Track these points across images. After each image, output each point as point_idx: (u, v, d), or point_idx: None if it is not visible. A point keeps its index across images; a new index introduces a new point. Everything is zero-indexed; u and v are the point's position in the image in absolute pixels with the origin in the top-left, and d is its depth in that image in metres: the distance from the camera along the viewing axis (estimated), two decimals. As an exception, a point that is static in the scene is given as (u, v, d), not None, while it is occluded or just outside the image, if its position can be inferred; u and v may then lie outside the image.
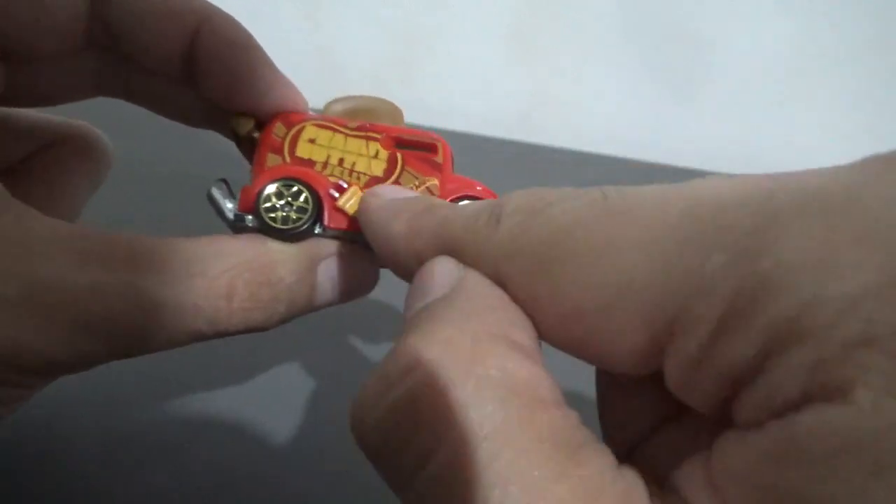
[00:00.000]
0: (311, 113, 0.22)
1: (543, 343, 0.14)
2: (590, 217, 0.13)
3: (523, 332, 0.14)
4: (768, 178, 0.12)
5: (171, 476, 0.25)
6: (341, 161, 0.21)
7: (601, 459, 0.12)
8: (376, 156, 0.21)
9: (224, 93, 0.21)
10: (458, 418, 0.12)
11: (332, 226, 0.20)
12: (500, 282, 0.14)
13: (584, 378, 0.17)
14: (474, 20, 0.52)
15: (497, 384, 0.12)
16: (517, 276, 0.14)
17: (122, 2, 0.20)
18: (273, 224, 0.20)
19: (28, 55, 0.20)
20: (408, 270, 0.16)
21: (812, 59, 0.49)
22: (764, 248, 0.11)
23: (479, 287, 0.14)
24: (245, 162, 0.23)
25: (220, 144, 0.24)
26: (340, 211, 0.20)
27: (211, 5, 0.21)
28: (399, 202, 0.18)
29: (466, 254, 0.15)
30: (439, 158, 0.21)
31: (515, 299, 0.14)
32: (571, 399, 0.13)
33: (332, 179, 0.21)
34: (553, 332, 0.14)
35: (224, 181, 0.21)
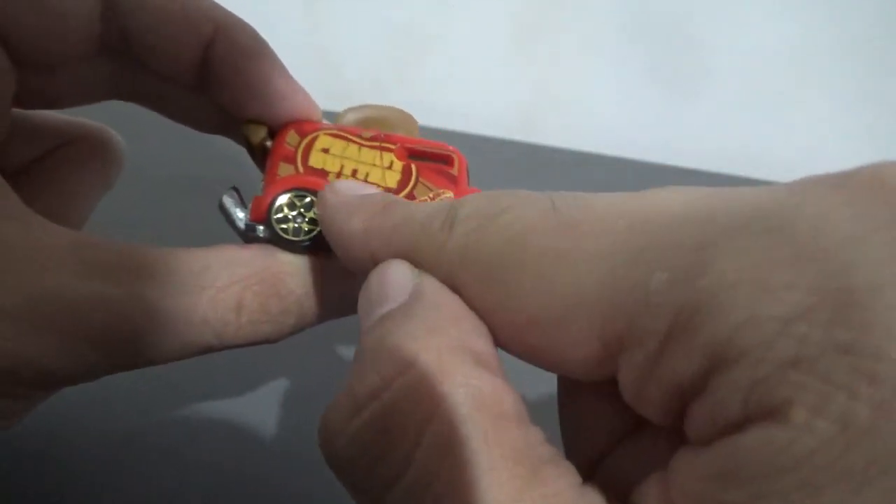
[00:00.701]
0: (324, 122, 0.22)
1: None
2: (541, 228, 0.13)
3: (483, 342, 0.14)
4: (713, 194, 0.12)
5: (170, 477, 0.25)
6: (355, 172, 0.21)
7: (564, 478, 0.12)
8: (390, 167, 0.21)
9: (237, 100, 0.21)
10: (426, 436, 0.12)
11: None
12: (454, 288, 0.14)
13: (552, 383, 0.16)
14: (475, 20, 0.52)
15: (462, 400, 0.12)
16: (471, 285, 0.14)
17: (136, 8, 0.20)
18: (285, 235, 0.19)
19: (41, 60, 0.20)
20: (363, 270, 0.16)
21: (812, 59, 0.49)
22: (703, 267, 0.11)
23: (438, 296, 0.14)
24: (257, 169, 0.22)
25: (232, 150, 0.24)
26: None
27: (226, 12, 0.21)
28: (357, 199, 0.17)
29: (421, 258, 0.15)
30: (455, 171, 0.21)
31: (471, 306, 0.14)
32: (543, 404, 0.14)
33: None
34: (508, 339, 0.14)
35: (235, 189, 0.20)
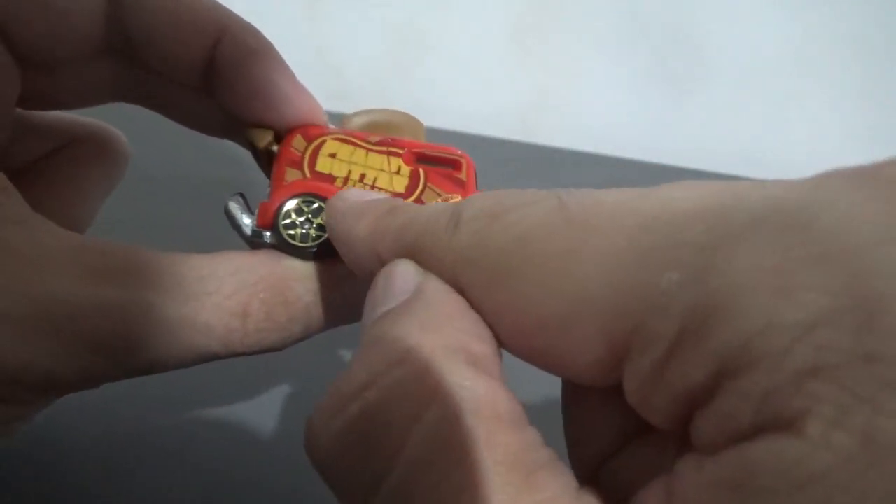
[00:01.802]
0: (331, 126, 0.22)
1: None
2: (547, 226, 0.13)
3: (483, 344, 0.13)
4: (728, 189, 0.12)
5: (170, 479, 0.25)
6: (363, 177, 0.21)
7: (559, 482, 0.12)
8: (398, 171, 0.21)
9: (243, 103, 0.21)
10: (412, 438, 0.12)
11: None
12: (459, 288, 0.14)
13: (556, 386, 0.16)
14: (474, 20, 0.52)
15: (454, 403, 0.12)
16: (475, 285, 0.14)
17: (141, 10, 0.20)
18: (292, 241, 0.19)
19: (45, 61, 0.20)
20: (370, 273, 0.16)
21: (812, 58, 0.49)
22: (717, 268, 0.10)
23: (438, 295, 0.14)
24: (262, 174, 0.22)
25: (237, 154, 0.24)
26: None
27: (232, 14, 0.20)
28: (363, 204, 0.17)
29: (426, 258, 0.15)
30: (463, 175, 0.21)
31: (475, 307, 0.14)
32: (545, 408, 0.13)
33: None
34: (513, 341, 0.14)
35: (241, 195, 0.20)
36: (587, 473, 0.13)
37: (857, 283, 0.09)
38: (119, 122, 0.25)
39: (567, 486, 0.12)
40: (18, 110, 0.21)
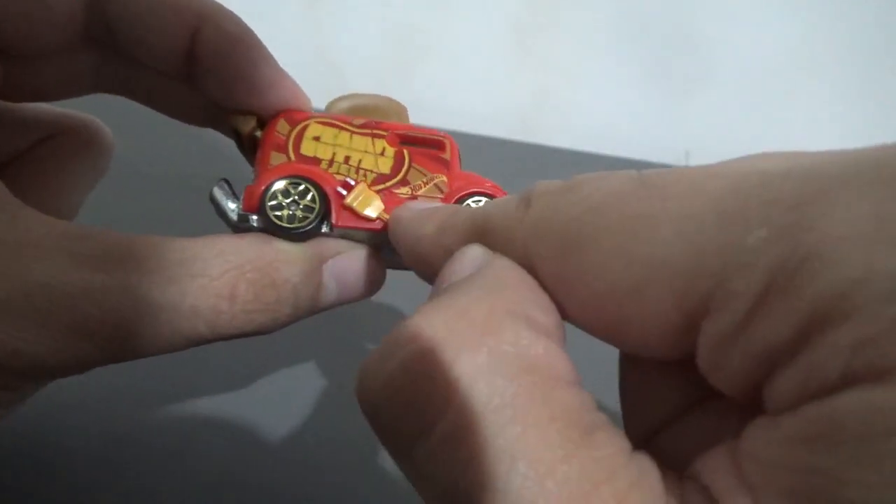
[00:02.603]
0: (314, 111, 0.22)
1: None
2: (623, 193, 0.12)
3: (545, 314, 0.13)
4: (820, 153, 0.11)
5: (169, 477, 0.25)
6: (347, 159, 0.21)
7: (614, 443, 0.11)
8: (383, 153, 0.21)
9: (225, 91, 0.21)
10: (465, 387, 0.11)
11: (340, 224, 0.20)
12: (529, 266, 0.14)
13: (606, 373, 0.16)
14: (474, 20, 0.52)
15: (510, 357, 0.12)
16: (546, 257, 0.13)
17: None
18: (279, 223, 0.19)
19: (24, 51, 0.20)
20: (437, 267, 0.16)
21: (812, 58, 0.49)
22: (810, 222, 0.10)
23: (504, 269, 0.14)
24: (247, 163, 0.22)
25: (221, 144, 0.24)
26: (349, 209, 0.20)
27: (212, 2, 0.20)
28: (430, 209, 0.17)
29: (497, 240, 0.15)
30: (447, 155, 0.21)
31: (544, 284, 0.14)
32: (601, 382, 0.13)
33: (338, 177, 0.20)
34: (583, 314, 0.13)
35: (226, 181, 0.20)
36: (639, 444, 0.13)
37: None
38: (102, 114, 0.25)
39: (622, 448, 0.11)
40: (1, 102, 0.21)
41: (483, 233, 0.15)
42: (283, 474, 0.26)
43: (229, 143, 0.23)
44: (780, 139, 0.50)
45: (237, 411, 0.28)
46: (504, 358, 0.12)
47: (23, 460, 0.25)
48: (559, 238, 0.13)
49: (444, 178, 0.21)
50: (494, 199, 0.16)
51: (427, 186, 0.21)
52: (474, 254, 0.15)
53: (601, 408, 0.12)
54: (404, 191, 0.21)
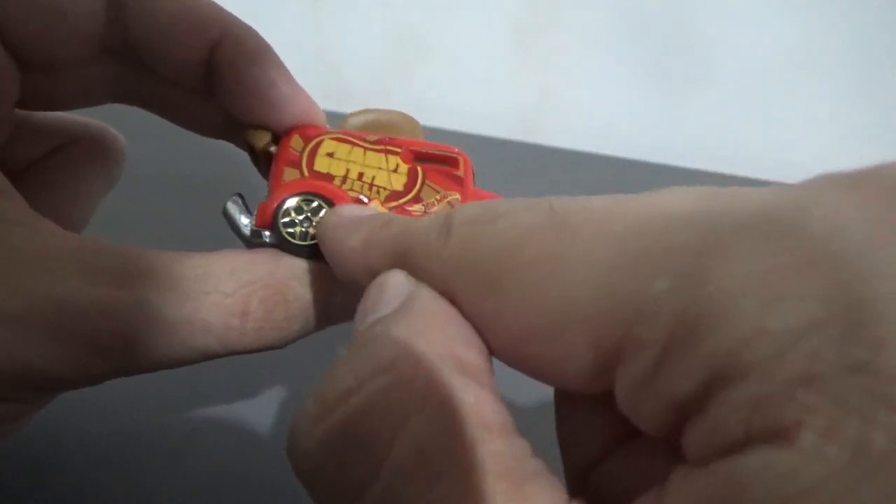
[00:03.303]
0: (328, 127, 0.22)
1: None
2: (536, 232, 0.13)
3: (473, 351, 0.13)
4: (717, 195, 0.12)
5: (170, 478, 0.25)
6: (361, 175, 0.21)
7: (549, 494, 0.11)
8: (396, 170, 0.21)
9: (242, 105, 0.21)
10: (397, 445, 0.11)
11: None
12: (451, 297, 0.14)
13: (550, 392, 0.16)
14: (474, 20, 0.52)
15: (439, 413, 0.12)
16: (465, 293, 0.13)
17: (141, 12, 0.20)
18: (292, 240, 0.19)
19: (44, 62, 0.20)
20: (362, 285, 0.16)
21: (813, 58, 0.49)
22: (707, 274, 0.10)
23: (430, 303, 0.14)
24: (260, 175, 0.22)
25: (235, 155, 0.24)
26: None
27: (231, 16, 0.20)
28: (358, 218, 0.17)
29: (417, 268, 0.15)
30: (460, 172, 0.21)
31: (466, 317, 0.14)
32: (540, 414, 0.13)
33: (351, 194, 0.20)
34: (503, 349, 0.13)
35: (240, 195, 0.20)
36: (579, 478, 0.13)
37: (845, 289, 0.09)
38: (116, 123, 0.25)
39: (557, 497, 0.11)
40: (17, 111, 0.21)
41: (405, 260, 0.15)
42: (283, 474, 0.26)
43: (242, 155, 0.22)
44: (780, 139, 0.50)
45: (237, 411, 0.28)
46: (433, 414, 0.12)
47: (23, 460, 0.25)
48: (476, 276, 0.13)
49: (458, 196, 0.21)
50: (419, 221, 0.15)
51: (440, 204, 0.21)
52: (397, 283, 0.15)
53: (543, 449, 0.12)
54: (417, 208, 0.21)
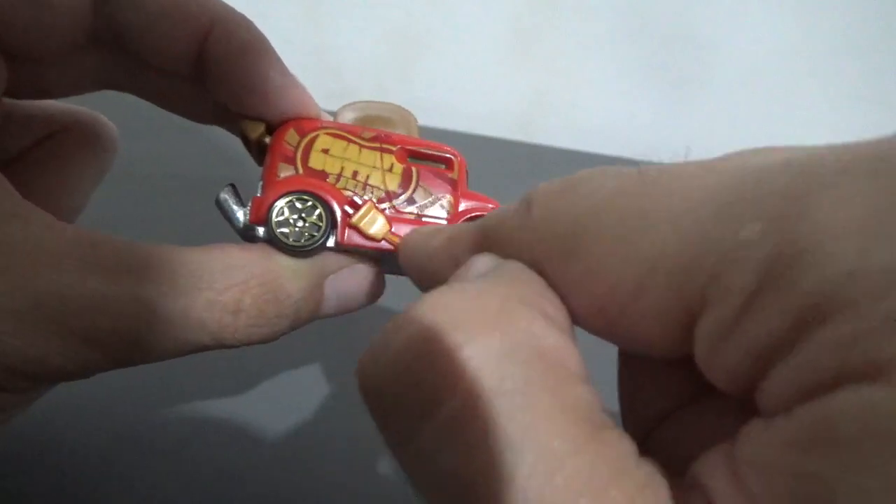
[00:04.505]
0: (323, 120, 0.21)
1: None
2: (621, 191, 0.12)
3: (557, 310, 0.13)
4: (820, 146, 0.11)
5: (169, 477, 0.25)
6: (355, 174, 0.21)
7: (623, 444, 0.11)
8: (391, 169, 0.21)
9: (234, 97, 0.20)
10: (475, 369, 0.11)
11: (346, 243, 0.20)
12: (539, 270, 0.14)
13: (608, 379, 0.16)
14: (474, 20, 0.52)
15: (523, 344, 0.11)
16: (551, 259, 0.13)
17: (127, 4, 0.20)
18: (285, 240, 0.19)
19: (31, 54, 0.20)
20: (444, 279, 0.15)
21: (812, 58, 0.49)
22: (804, 213, 0.10)
23: (516, 269, 0.14)
24: (254, 163, 0.22)
25: (228, 143, 0.24)
26: (355, 228, 0.20)
27: (224, 6, 0.20)
28: (438, 227, 0.18)
29: (504, 247, 0.14)
30: (454, 174, 0.21)
31: (553, 286, 0.13)
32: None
33: (346, 193, 0.20)
34: (586, 314, 0.13)
35: (233, 186, 0.20)
36: (638, 440, 0.13)
37: None
38: (107, 110, 0.25)
39: (631, 450, 0.11)
40: (5, 99, 0.21)
41: (490, 241, 0.15)
42: (283, 474, 0.26)
43: (236, 141, 0.22)
44: (780, 139, 0.50)
45: (237, 411, 0.28)
46: (517, 344, 0.11)
47: (23, 460, 0.25)
48: (561, 240, 0.13)
49: (451, 199, 0.21)
50: (497, 209, 0.15)
51: (433, 206, 0.21)
52: (485, 259, 0.14)
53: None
54: (410, 209, 0.21)
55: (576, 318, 0.13)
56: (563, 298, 0.13)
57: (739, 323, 0.10)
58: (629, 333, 0.13)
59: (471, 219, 0.21)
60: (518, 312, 0.12)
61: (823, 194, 0.10)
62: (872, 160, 0.10)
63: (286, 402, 0.29)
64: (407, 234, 0.19)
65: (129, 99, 0.23)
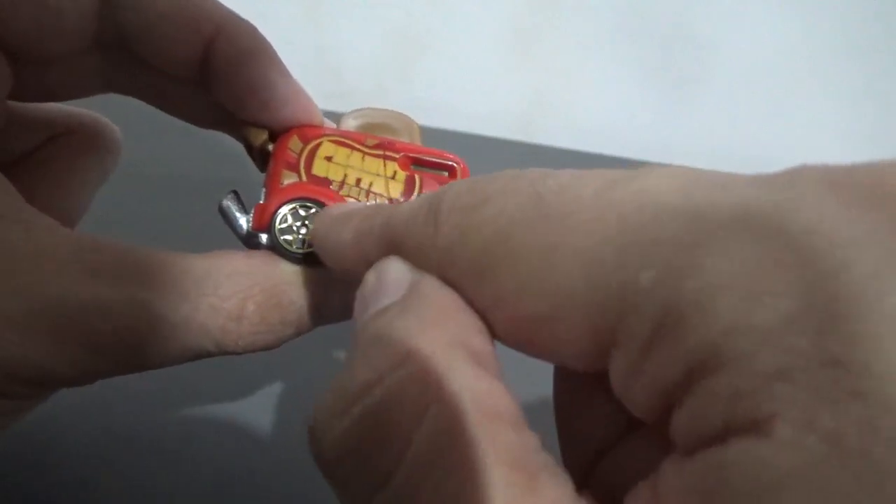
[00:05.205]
0: (327, 127, 0.21)
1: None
2: (526, 221, 0.13)
3: (481, 340, 0.13)
4: (706, 183, 0.12)
5: (168, 477, 0.25)
6: (358, 181, 0.20)
7: (559, 489, 0.11)
8: (394, 177, 0.21)
9: (238, 103, 0.20)
10: (417, 438, 0.12)
11: None
12: (449, 284, 0.14)
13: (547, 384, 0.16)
14: (474, 20, 0.52)
15: (459, 401, 0.12)
16: (462, 281, 0.14)
17: (134, 6, 0.20)
18: (288, 248, 0.19)
19: (34, 56, 0.20)
20: (358, 276, 0.16)
21: (812, 58, 0.49)
22: (692, 268, 0.10)
23: (434, 291, 0.14)
24: (256, 168, 0.22)
25: (231, 148, 0.24)
26: None
27: (228, 12, 0.20)
28: (347, 213, 0.17)
29: (412, 254, 0.15)
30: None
31: (467, 301, 0.14)
32: (538, 411, 0.13)
33: (349, 201, 0.20)
34: (504, 334, 0.14)
35: (235, 192, 0.20)
36: (579, 475, 0.13)
37: (821, 285, 0.09)
38: (112, 116, 0.25)
39: (568, 491, 0.11)
40: (9, 102, 0.21)
41: (398, 245, 0.15)
42: (283, 474, 0.26)
43: (239, 145, 0.22)
44: (780, 139, 0.50)
45: (237, 411, 0.28)
46: (452, 400, 0.12)
47: (23, 460, 0.25)
48: (470, 265, 0.13)
49: None
50: (402, 207, 0.15)
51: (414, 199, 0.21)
52: (397, 270, 0.15)
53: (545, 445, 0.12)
54: None
55: (494, 333, 0.14)
56: (480, 314, 0.14)
57: (642, 364, 0.11)
58: (546, 353, 0.13)
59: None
60: (448, 365, 0.12)
61: (711, 248, 0.10)
62: (750, 217, 0.10)
63: (286, 402, 0.29)
64: (317, 218, 0.18)
65: (133, 102, 0.23)
